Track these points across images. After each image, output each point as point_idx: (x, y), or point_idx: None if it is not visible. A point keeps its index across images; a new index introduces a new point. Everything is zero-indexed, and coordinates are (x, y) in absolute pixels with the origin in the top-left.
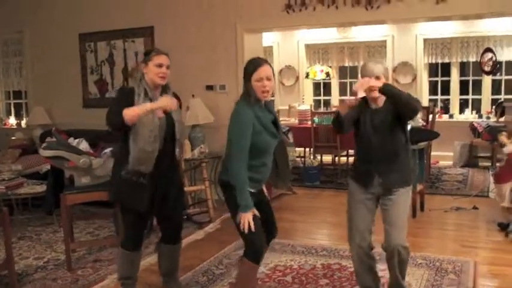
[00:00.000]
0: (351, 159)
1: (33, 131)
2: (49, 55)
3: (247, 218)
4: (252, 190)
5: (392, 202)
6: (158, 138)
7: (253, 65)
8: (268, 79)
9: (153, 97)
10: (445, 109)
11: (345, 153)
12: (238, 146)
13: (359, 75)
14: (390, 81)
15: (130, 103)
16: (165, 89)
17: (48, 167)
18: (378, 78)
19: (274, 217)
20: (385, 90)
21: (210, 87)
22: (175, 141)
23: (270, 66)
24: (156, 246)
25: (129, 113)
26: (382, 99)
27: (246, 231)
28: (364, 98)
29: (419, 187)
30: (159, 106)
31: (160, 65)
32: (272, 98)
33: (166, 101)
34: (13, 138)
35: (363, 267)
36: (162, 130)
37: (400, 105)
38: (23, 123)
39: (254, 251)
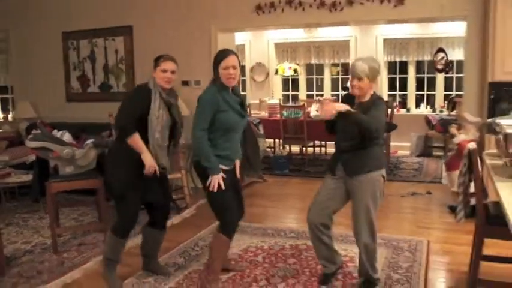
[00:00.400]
0: (317, 149)
1: (20, 124)
2: (34, 52)
3: (217, 179)
4: (224, 167)
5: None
6: (166, 134)
7: (222, 54)
8: (234, 68)
9: (166, 99)
10: (403, 104)
11: (311, 144)
12: (200, 118)
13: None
14: (378, 78)
15: (147, 105)
16: (172, 92)
17: (34, 157)
18: (359, 79)
19: (243, 198)
20: (348, 117)
21: (185, 83)
22: (172, 138)
23: (236, 56)
24: (142, 229)
25: (134, 142)
26: (369, 95)
27: (216, 189)
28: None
29: None
30: (145, 161)
31: (164, 71)
32: (243, 93)
33: (150, 167)
34: (0, 131)
35: (316, 239)
36: (169, 128)
37: (359, 128)
38: (10, 116)
39: (229, 225)
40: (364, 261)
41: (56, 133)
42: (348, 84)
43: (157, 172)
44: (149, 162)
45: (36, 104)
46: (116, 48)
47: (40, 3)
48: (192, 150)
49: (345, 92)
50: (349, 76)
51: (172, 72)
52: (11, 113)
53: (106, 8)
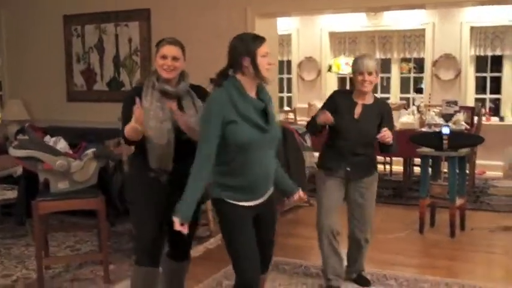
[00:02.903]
0: (380, 167)
1: (9, 127)
2: (28, 40)
3: (177, 224)
4: (242, 203)
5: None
6: (172, 132)
7: (256, 39)
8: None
9: (160, 88)
10: (495, 110)
11: None
12: (204, 133)
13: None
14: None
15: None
16: (180, 81)
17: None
18: (370, 74)
19: (272, 246)
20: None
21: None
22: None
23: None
24: (162, 260)
25: (127, 132)
26: (371, 96)
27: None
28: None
29: (459, 201)
30: (134, 121)
31: (164, 57)
32: (288, 94)
33: (136, 115)
34: None
35: (331, 249)
36: (174, 125)
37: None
38: None
39: (243, 282)
40: (361, 257)
41: (49, 140)
42: (360, 80)
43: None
44: (133, 119)
45: (30, 104)
46: (130, 36)
47: None
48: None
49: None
50: (355, 73)
51: (174, 58)
52: None
53: None
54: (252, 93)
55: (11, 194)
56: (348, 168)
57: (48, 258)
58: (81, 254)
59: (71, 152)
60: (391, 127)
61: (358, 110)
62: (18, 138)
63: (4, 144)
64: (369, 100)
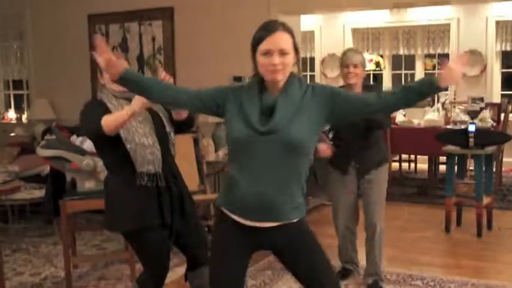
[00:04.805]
0: (405, 165)
1: (35, 127)
2: (54, 39)
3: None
4: (235, 217)
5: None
6: (153, 131)
7: (262, 31)
8: (283, 53)
9: (122, 95)
10: None
11: (396, 157)
12: None
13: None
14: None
15: (105, 112)
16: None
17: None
18: (355, 66)
19: (325, 271)
20: None
21: (238, 79)
22: (168, 138)
23: (289, 31)
24: (185, 277)
25: (110, 122)
26: (359, 86)
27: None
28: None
29: (485, 200)
30: (133, 107)
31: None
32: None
33: (139, 100)
34: (12, 134)
35: (348, 242)
36: (151, 123)
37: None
38: (24, 117)
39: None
40: (376, 250)
41: (75, 139)
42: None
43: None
44: (134, 104)
45: (56, 103)
46: (153, 35)
47: None
48: None
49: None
50: (341, 66)
51: None
52: (25, 113)
53: None
54: (275, 92)
55: (39, 193)
56: (358, 165)
57: (76, 257)
58: (107, 253)
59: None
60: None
61: None
62: (46, 138)
63: (31, 143)
64: (359, 89)
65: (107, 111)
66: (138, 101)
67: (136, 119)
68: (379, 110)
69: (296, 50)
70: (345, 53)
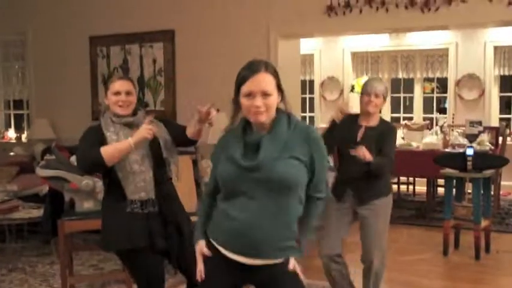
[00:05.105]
0: (403, 187)
1: (35, 146)
2: (55, 60)
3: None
4: (221, 248)
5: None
6: (147, 158)
7: (247, 72)
8: (265, 94)
9: (121, 121)
10: None
11: (395, 180)
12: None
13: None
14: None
15: (101, 140)
16: (136, 111)
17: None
18: (376, 96)
19: None
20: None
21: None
22: (165, 163)
23: (272, 72)
24: None
25: (109, 152)
26: (376, 117)
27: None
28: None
29: (484, 223)
30: (139, 138)
31: (117, 93)
32: (311, 114)
33: (144, 131)
34: (11, 153)
35: (332, 271)
36: (147, 149)
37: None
38: (24, 137)
39: None
40: (371, 285)
41: (75, 160)
42: (367, 102)
43: (154, 130)
44: (139, 134)
45: (56, 123)
46: (154, 57)
47: (64, 0)
48: None
49: (340, 116)
50: (363, 94)
51: (128, 93)
52: (25, 132)
53: (143, 9)
54: (263, 131)
55: (37, 212)
56: (352, 193)
57: (73, 277)
58: (104, 273)
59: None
60: (385, 148)
61: (360, 133)
62: (45, 158)
63: (31, 163)
64: (374, 123)
65: (103, 140)
66: (144, 132)
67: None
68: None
69: (280, 89)
70: (369, 82)
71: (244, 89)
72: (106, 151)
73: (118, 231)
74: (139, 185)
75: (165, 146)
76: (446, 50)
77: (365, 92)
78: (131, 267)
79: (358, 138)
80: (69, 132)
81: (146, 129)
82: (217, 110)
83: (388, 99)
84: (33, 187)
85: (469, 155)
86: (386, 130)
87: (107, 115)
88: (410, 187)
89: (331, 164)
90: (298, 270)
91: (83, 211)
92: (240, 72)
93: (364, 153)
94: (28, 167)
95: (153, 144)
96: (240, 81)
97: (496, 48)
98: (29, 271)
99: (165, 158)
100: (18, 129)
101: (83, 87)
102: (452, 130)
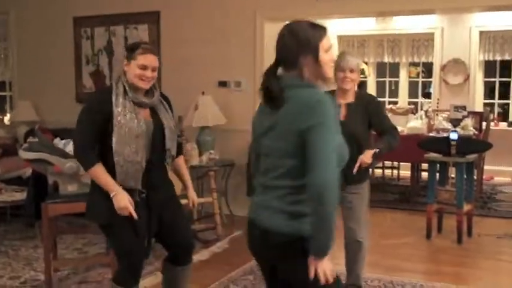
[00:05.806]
0: (388, 172)
1: (18, 129)
2: (38, 41)
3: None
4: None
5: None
6: (146, 146)
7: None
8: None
9: (134, 99)
10: (504, 115)
11: (380, 164)
12: (330, 149)
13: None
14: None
15: (105, 114)
16: (151, 91)
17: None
18: (351, 71)
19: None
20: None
21: (223, 84)
22: (165, 151)
23: None
24: (162, 266)
25: (96, 176)
26: (352, 92)
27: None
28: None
29: (466, 207)
30: (117, 205)
31: (144, 67)
32: None
33: (124, 209)
34: None
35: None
36: (149, 136)
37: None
38: (6, 119)
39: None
40: (356, 264)
41: (58, 142)
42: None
43: (133, 214)
44: (119, 203)
45: (39, 105)
46: (139, 39)
47: None
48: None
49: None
50: (336, 70)
51: (154, 69)
52: (7, 114)
53: None
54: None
55: (20, 195)
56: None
57: (57, 261)
58: (89, 257)
59: None
60: (382, 121)
61: (342, 111)
62: (28, 141)
63: (13, 145)
64: (351, 99)
65: (109, 113)
66: (124, 209)
67: (133, 133)
68: None
69: None
70: (342, 56)
71: (326, 44)
72: (95, 172)
73: (103, 203)
74: (132, 175)
75: (169, 136)
76: (432, 34)
77: (339, 68)
78: (112, 240)
79: (342, 119)
80: (53, 114)
81: (126, 209)
82: (202, 93)
83: (374, 82)
84: (16, 170)
85: (453, 140)
86: (372, 102)
87: (121, 84)
88: (395, 171)
89: None
90: None
91: (67, 194)
92: (310, 35)
93: (364, 162)
94: (11, 149)
95: (156, 133)
96: (319, 38)
97: (481, 33)
98: (12, 255)
99: (168, 149)
100: (1, 111)
101: (66, 69)
102: (437, 115)
